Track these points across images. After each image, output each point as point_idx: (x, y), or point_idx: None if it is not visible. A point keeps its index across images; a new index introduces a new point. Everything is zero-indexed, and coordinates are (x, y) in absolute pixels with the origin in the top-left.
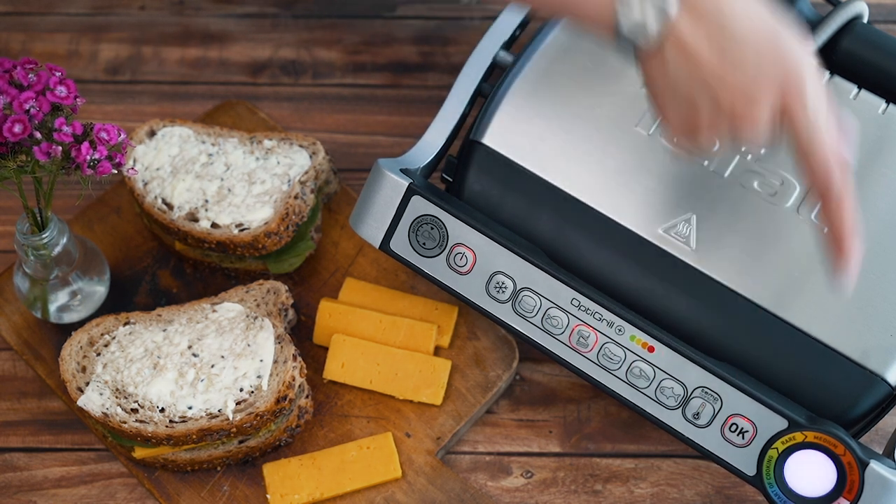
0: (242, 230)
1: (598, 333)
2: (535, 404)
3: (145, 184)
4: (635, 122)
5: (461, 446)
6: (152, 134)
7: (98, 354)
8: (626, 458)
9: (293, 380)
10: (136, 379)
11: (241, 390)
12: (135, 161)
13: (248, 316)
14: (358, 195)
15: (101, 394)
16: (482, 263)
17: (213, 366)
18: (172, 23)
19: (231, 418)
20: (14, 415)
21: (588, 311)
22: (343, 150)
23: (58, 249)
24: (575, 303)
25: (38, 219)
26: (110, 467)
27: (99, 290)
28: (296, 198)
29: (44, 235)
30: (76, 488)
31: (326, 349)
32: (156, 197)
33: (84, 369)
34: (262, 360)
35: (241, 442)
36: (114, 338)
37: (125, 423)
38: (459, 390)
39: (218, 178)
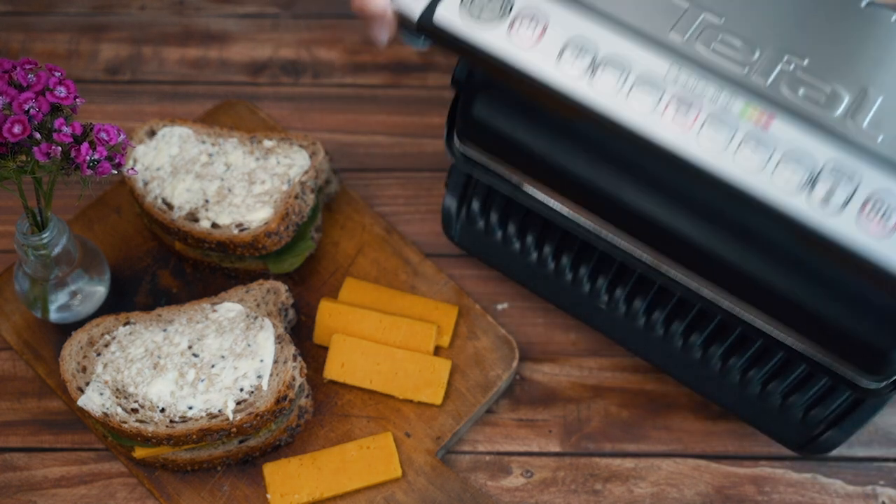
0: (242, 230)
1: (704, 103)
2: (535, 404)
3: (145, 184)
4: None
5: (461, 446)
6: (152, 134)
7: (98, 354)
8: (626, 457)
9: (293, 380)
10: (137, 379)
11: (242, 390)
12: (135, 161)
13: (248, 316)
14: (358, 195)
15: (101, 394)
16: (555, 30)
17: (213, 366)
18: (172, 23)
19: (231, 418)
20: (14, 415)
21: (690, 81)
22: (343, 150)
23: (58, 249)
24: (673, 71)
25: (38, 219)
26: (110, 467)
27: (99, 290)
28: (296, 198)
29: (44, 235)
30: (76, 488)
31: (326, 349)
32: (156, 197)
33: (84, 369)
34: (262, 360)
35: (241, 442)
36: (114, 338)
37: (125, 423)
38: (459, 390)
39: (218, 178)
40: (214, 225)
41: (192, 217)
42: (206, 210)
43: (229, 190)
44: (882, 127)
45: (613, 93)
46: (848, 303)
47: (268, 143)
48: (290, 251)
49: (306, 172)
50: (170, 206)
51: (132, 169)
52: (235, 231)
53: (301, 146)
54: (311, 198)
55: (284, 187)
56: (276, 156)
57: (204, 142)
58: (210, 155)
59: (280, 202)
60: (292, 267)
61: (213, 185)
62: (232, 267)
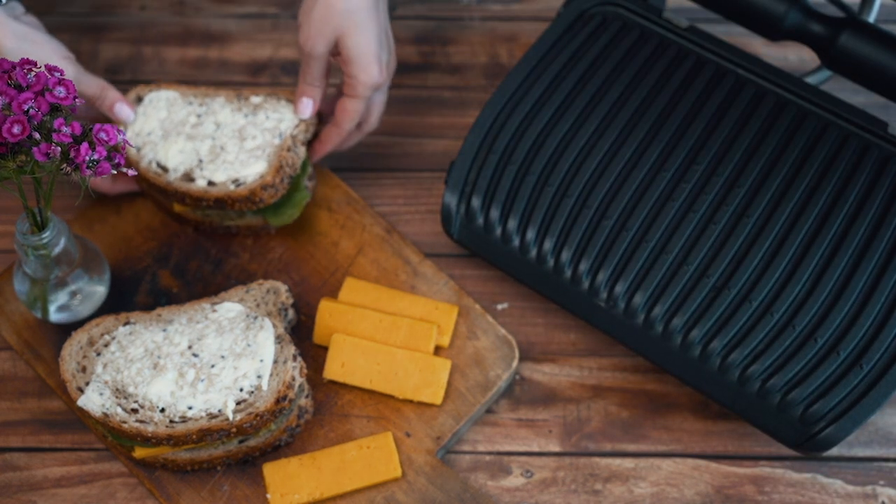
0: (239, 185)
1: None
2: (535, 404)
3: (138, 149)
4: None
5: (461, 446)
6: (139, 100)
7: (98, 354)
8: (626, 457)
9: (293, 380)
10: (137, 379)
11: (241, 390)
12: (125, 127)
13: (248, 316)
14: (358, 195)
15: (101, 394)
16: None
17: (213, 366)
18: (172, 23)
19: (231, 418)
20: (14, 415)
21: None
22: (343, 150)
23: (58, 249)
24: None
25: (38, 219)
26: (110, 467)
27: (99, 290)
28: (288, 150)
29: (44, 235)
30: (76, 488)
31: (326, 349)
32: (150, 161)
33: (84, 369)
34: (262, 360)
35: (241, 442)
36: (114, 338)
37: (125, 423)
38: (459, 390)
39: (209, 137)
40: (211, 183)
41: (188, 177)
42: (201, 169)
43: (222, 148)
44: None
45: None
46: None
47: (255, 100)
48: (287, 203)
49: (297, 126)
50: (165, 169)
51: (131, 170)
52: (232, 187)
53: (288, 101)
54: (302, 150)
55: (276, 141)
56: (265, 111)
57: (191, 103)
58: (199, 115)
59: (273, 155)
60: (291, 218)
61: (205, 145)
62: (233, 224)
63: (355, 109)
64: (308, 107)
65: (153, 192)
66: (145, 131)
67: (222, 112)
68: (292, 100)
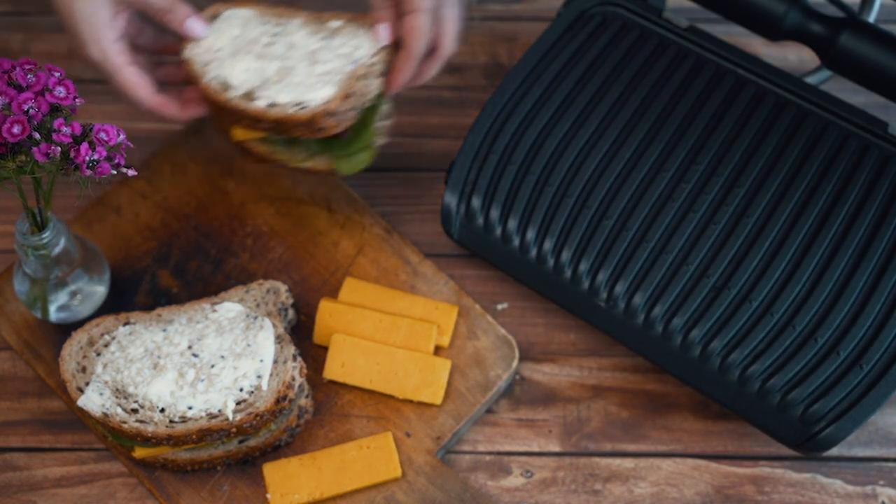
0: (301, 109)
1: None
2: (535, 404)
3: (205, 65)
4: None
5: (461, 446)
6: (215, 18)
7: (98, 354)
8: (626, 457)
9: (293, 380)
10: (136, 379)
11: (241, 390)
12: (196, 44)
13: (248, 316)
14: (358, 195)
15: (101, 394)
16: None
17: (213, 366)
18: None
19: (231, 418)
20: (14, 415)
21: None
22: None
23: (58, 249)
24: None
25: (38, 219)
26: (110, 467)
27: (99, 290)
28: (360, 79)
29: (44, 235)
30: (76, 488)
31: (326, 349)
32: (212, 77)
33: (84, 369)
34: (262, 360)
35: (241, 442)
36: (114, 338)
37: (125, 423)
38: (459, 390)
39: (279, 57)
40: (273, 105)
41: (250, 97)
42: (266, 89)
43: (291, 69)
44: None
45: None
46: None
47: (334, 24)
48: (355, 145)
49: (375, 54)
50: (227, 87)
51: (131, 170)
52: (293, 110)
53: (369, 29)
54: (376, 83)
55: (349, 67)
56: (342, 37)
57: (267, 22)
58: (273, 35)
59: (343, 82)
60: (361, 164)
61: (273, 65)
62: (301, 167)
63: (421, 25)
64: (385, 30)
65: (216, 117)
66: (215, 47)
67: (298, 33)
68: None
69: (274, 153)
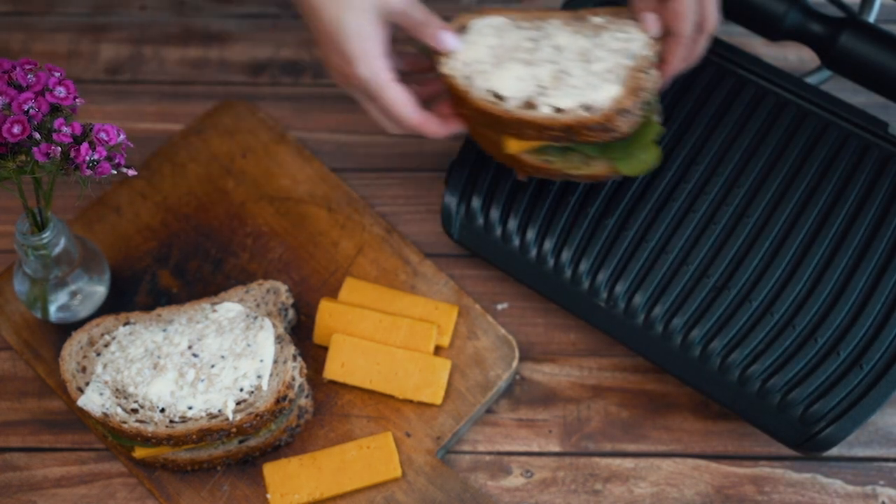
0: (591, 111)
1: None
2: (535, 404)
3: (467, 78)
4: None
5: (461, 446)
6: (463, 29)
7: (98, 354)
8: (626, 457)
9: (293, 380)
10: (137, 379)
11: (241, 390)
12: (451, 58)
13: (248, 316)
14: (358, 195)
15: (101, 394)
16: None
17: (213, 366)
18: (172, 23)
19: (231, 418)
20: (14, 415)
21: None
22: (343, 150)
23: (58, 249)
24: None
25: (38, 219)
26: (110, 467)
27: (99, 290)
28: (641, 72)
29: (44, 235)
30: (76, 488)
31: (326, 349)
32: (482, 90)
33: (84, 369)
34: (262, 360)
35: (241, 442)
36: (114, 338)
37: (125, 423)
38: (459, 390)
39: (548, 61)
40: (557, 110)
41: (529, 105)
42: (544, 96)
43: (565, 72)
44: None
45: None
46: None
47: (596, 20)
48: (636, 145)
49: (649, 46)
50: (500, 98)
51: (131, 170)
52: (583, 113)
53: (633, 20)
54: (654, 74)
55: (628, 62)
56: (610, 32)
57: (522, 27)
58: (534, 40)
59: (628, 78)
60: (646, 165)
61: (545, 70)
62: (578, 174)
63: (686, 8)
64: (653, 21)
65: (485, 129)
66: (474, 60)
67: (560, 35)
68: (634, 19)
69: (548, 163)
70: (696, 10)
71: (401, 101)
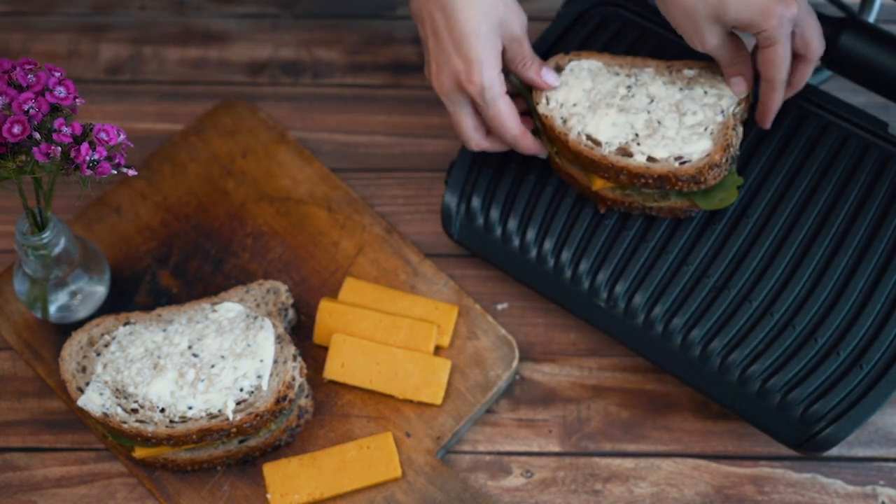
0: (683, 163)
1: None
2: (535, 404)
3: (564, 121)
4: None
5: (461, 446)
6: (558, 69)
7: (98, 354)
8: (626, 457)
9: (293, 380)
10: (137, 379)
11: (241, 390)
12: (547, 99)
13: (248, 316)
14: (358, 195)
15: (101, 394)
16: None
17: (213, 366)
18: (172, 23)
19: (231, 418)
20: (14, 415)
21: None
22: (343, 150)
23: (58, 249)
24: None
25: (38, 219)
26: (110, 467)
27: (99, 290)
28: (731, 129)
29: (44, 235)
30: (76, 488)
31: (326, 349)
32: (579, 133)
33: (84, 369)
34: (262, 360)
35: (241, 442)
36: (114, 338)
37: (125, 423)
38: (459, 390)
39: (643, 110)
40: (651, 159)
41: (625, 152)
42: (638, 144)
43: (659, 122)
44: None
45: None
46: None
47: (688, 73)
48: (718, 185)
49: (739, 104)
50: (596, 143)
51: (132, 170)
52: (676, 164)
53: (721, 76)
54: (740, 130)
55: (719, 118)
56: (701, 86)
57: (618, 73)
58: (628, 87)
59: (718, 134)
60: (723, 203)
61: (639, 118)
62: (656, 206)
63: (779, 56)
64: (742, 84)
65: (572, 164)
66: (570, 101)
67: (654, 84)
68: (723, 77)
69: (628, 196)
70: (788, 57)
71: (508, 113)
